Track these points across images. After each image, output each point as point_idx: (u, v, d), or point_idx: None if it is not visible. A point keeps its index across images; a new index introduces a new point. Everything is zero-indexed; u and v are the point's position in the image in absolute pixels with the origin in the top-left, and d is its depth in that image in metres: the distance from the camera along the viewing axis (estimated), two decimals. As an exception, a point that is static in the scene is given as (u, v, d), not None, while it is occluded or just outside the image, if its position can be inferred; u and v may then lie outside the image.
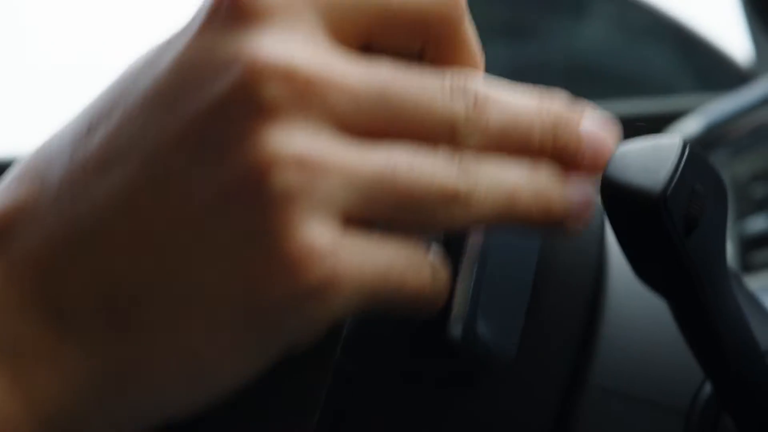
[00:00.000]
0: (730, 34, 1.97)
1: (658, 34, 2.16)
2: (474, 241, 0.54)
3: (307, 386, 0.46)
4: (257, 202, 0.39)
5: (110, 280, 0.40)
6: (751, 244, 1.49)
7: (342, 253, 0.40)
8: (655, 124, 1.71)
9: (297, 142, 0.39)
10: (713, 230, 0.51)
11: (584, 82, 2.20)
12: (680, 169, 0.48)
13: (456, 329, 0.53)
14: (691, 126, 1.64)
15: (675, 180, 0.48)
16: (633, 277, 0.54)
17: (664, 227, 0.48)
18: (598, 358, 0.63)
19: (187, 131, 0.40)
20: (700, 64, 2.13)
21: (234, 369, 0.41)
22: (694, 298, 0.52)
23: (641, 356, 0.63)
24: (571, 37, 2.24)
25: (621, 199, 0.49)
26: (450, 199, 0.43)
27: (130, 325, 0.40)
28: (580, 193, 0.48)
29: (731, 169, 1.57)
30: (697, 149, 0.50)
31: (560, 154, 0.47)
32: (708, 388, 0.62)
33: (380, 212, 0.42)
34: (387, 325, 0.57)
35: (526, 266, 0.60)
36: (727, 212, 0.53)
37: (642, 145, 0.50)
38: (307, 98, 0.40)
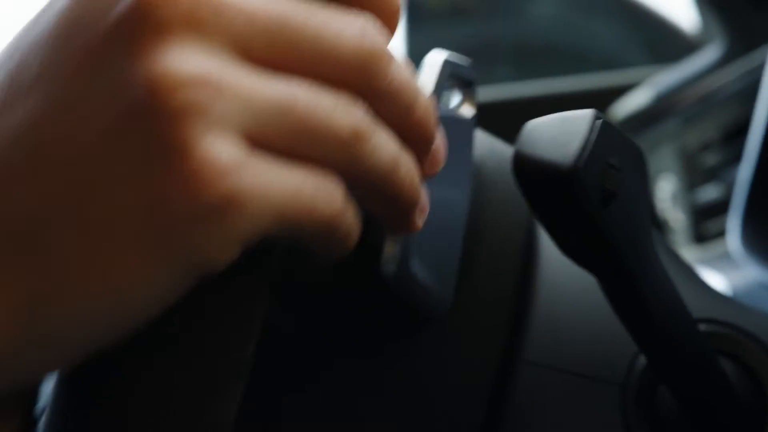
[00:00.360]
0: (676, 4, 1.98)
1: (606, 8, 2.17)
2: None
3: (235, 333, 0.45)
4: (154, 121, 0.39)
5: (15, 210, 0.40)
6: (703, 214, 1.49)
7: (245, 172, 0.40)
8: (606, 97, 1.72)
9: (191, 61, 0.39)
10: (633, 202, 0.51)
11: (535, 59, 2.20)
12: (591, 141, 0.47)
13: (389, 267, 0.54)
14: (640, 98, 1.65)
15: (587, 152, 0.47)
16: (562, 254, 0.54)
17: (578, 200, 0.47)
18: (532, 334, 0.63)
19: (83, 59, 0.40)
20: (648, 36, 2.13)
21: (148, 291, 0.41)
22: (618, 270, 0.52)
23: (574, 331, 0.63)
24: (520, 15, 2.24)
25: (533, 173, 0.48)
26: (347, 140, 0.43)
27: (40, 253, 0.40)
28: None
29: (681, 140, 1.57)
30: (610, 122, 0.49)
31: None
32: (642, 359, 0.62)
33: (280, 140, 0.42)
34: (323, 273, 0.57)
35: (455, 218, 0.61)
36: (647, 184, 0.53)
37: (552, 119, 0.50)
38: (202, 17, 0.40)
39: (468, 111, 0.62)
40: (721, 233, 1.41)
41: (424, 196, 0.50)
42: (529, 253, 0.65)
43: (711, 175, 1.52)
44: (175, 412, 0.43)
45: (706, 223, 1.48)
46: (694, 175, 1.54)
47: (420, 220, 0.50)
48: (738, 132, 1.49)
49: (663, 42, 2.08)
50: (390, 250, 0.54)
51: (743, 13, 1.51)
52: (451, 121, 0.60)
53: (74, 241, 0.40)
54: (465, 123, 0.62)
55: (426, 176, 0.50)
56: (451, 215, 0.61)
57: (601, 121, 0.49)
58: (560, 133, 0.48)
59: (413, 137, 0.47)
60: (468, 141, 0.63)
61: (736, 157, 1.46)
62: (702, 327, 0.63)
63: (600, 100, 1.74)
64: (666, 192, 1.57)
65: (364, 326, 0.61)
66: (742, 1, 1.51)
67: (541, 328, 0.63)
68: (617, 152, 0.49)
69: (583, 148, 0.47)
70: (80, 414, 0.44)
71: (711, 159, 1.53)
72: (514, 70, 2.09)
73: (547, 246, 0.65)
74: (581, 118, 0.49)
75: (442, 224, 0.59)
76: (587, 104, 1.79)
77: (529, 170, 0.48)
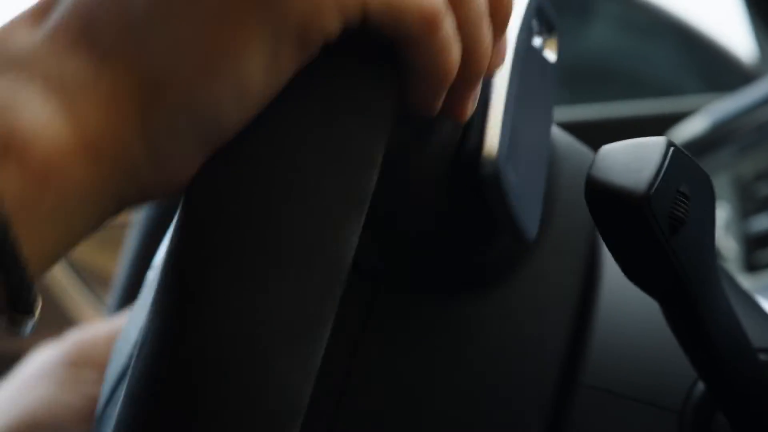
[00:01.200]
0: (733, 34, 1.97)
1: (663, 34, 2.17)
2: (500, 85, 0.57)
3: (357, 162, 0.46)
4: None
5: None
6: (755, 243, 1.49)
7: None
8: (661, 124, 1.72)
9: None
10: (700, 230, 0.51)
11: (590, 83, 2.20)
12: (664, 169, 0.48)
13: (487, 167, 0.56)
14: (696, 126, 1.65)
15: (659, 180, 0.48)
16: (625, 277, 0.55)
17: (648, 227, 0.48)
18: (591, 358, 0.63)
19: None
20: (705, 64, 2.13)
21: (261, 62, 0.43)
22: (682, 297, 0.53)
23: (633, 355, 0.64)
24: (576, 38, 2.24)
25: (604, 199, 0.49)
26: None
27: (154, 40, 0.43)
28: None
29: (736, 169, 1.57)
30: (682, 150, 0.50)
31: None
32: (701, 386, 0.62)
33: None
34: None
35: (542, 155, 0.64)
36: (714, 212, 0.53)
37: (625, 145, 0.50)
38: None
39: (551, 55, 0.64)
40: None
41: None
42: (591, 273, 0.66)
43: (765, 204, 1.52)
44: (297, 240, 0.43)
45: (758, 253, 1.48)
46: (747, 204, 1.54)
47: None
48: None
49: (719, 71, 2.08)
50: (489, 150, 0.55)
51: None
52: (537, 56, 0.62)
53: (184, 20, 0.43)
54: (548, 65, 0.64)
55: (492, 64, 0.52)
56: (539, 151, 0.63)
57: (673, 148, 0.49)
58: (633, 160, 0.49)
59: (497, 15, 0.49)
60: (550, 84, 0.65)
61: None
62: (763, 357, 0.64)
63: (655, 126, 1.74)
64: (720, 220, 1.57)
65: (452, 251, 0.63)
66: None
67: (599, 351, 0.64)
68: (687, 180, 0.50)
69: (656, 175, 0.48)
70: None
71: (765, 189, 1.52)
72: (568, 94, 2.10)
73: (609, 266, 0.66)
74: (654, 145, 0.49)
75: (532, 152, 0.61)
76: (642, 131, 1.78)
77: (601, 195, 0.49)
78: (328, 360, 0.54)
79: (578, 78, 2.19)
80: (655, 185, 0.48)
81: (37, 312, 0.43)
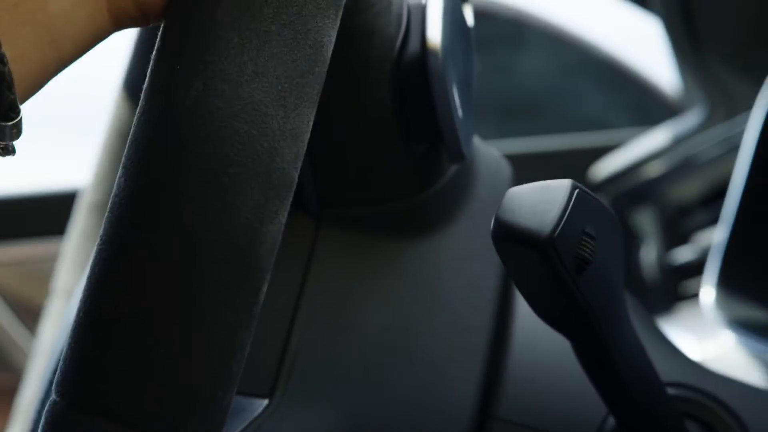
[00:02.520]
0: (659, 68, 2.00)
1: (590, 68, 2.19)
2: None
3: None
4: None
5: None
6: (679, 276, 1.51)
7: None
8: (588, 157, 1.74)
9: None
10: (606, 269, 0.53)
11: (518, 118, 2.22)
12: (568, 210, 0.49)
13: (434, 55, 0.60)
14: (621, 159, 1.67)
15: (563, 222, 0.49)
16: (536, 317, 0.56)
17: (554, 268, 0.49)
18: (505, 393, 0.64)
19: None
20: (631, 98, 2.15)
21: None
22: (590, 335, 0.54)
23: (546, 391, 0.65)
24: (505, 73, 2.26)
25: (511, 240, 0.50)
26: None
27: None
28: None
29: (661, 201, 1.59)
30: (588, 192, 0.51)
31: None
32: (611, 420, 0.64)
33: None
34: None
35: (470, 92, 0.68)
36: (621, 251, 0.54)
37: (532, 188, 0.51)
38: None
39: (469, 18, 0.69)
40: (696, 295, 1.42)
41: None
42: (504, 310, 0.67)
43: (688, 237, 1.54)
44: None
45: (682, 285, 1.50)
46: (672, 237, 1.56)
47: None
48: (715, 196, 1.51)
49: (645, 104, 2.10)
50: (434, 43, 0.59)
51: (725, 80, 1.53)
52: (459, 9, 0.66)
53: None
54: (467, 27, 0.69)
55: None
56: (467, 86, 0.66)
57: (578, 190, 0.50)
58: (539, 202, 0.50)
59: None
60: (470, 47, 0.69)
61: (713, 221, 1.48)
62: (671, 391, 0.65)
63: (582, 159, 1.76)
64: (644, 252, 1.59)
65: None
66: (724, 69, 1.53)
67: (514, 386, 0.65)
68: (593, 221, 0.51)
69: (560, 217, 0.49)
70: None
71: (689, 221, 1.54)
72: (496, 129, 2.11)
73: (522, 304, 0.67)
74: (559, 187, 0.51)
75: (462, 79, 0.64)
76: (568, 164, 1.80)
77: (508, 236, 0.50)
78: (275, 298, 0.55)
79: (507, 113, 2.21)
80: (560, 227, 0.49)
81: (20, 123, 0.44)
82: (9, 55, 0.42)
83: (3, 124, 0.43)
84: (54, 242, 1.67)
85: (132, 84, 1.12)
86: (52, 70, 0.46)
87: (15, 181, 1.80)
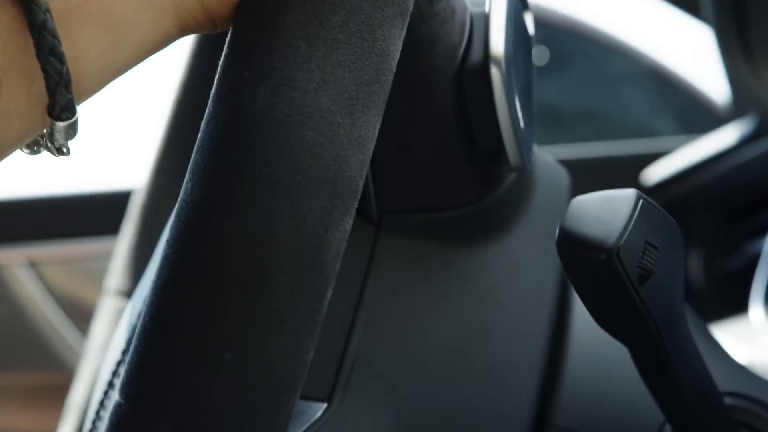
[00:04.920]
0: (708, 77, 1.99)
1: (639, 77, 2.18)
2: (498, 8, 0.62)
3: None
4: None
5: None
6: (728, 284, 1.51)
7: None
8: (636, 164, 1.74)
9: None
10: (668, 279, 0.53)
11: (567, 124, 2.22)
12: (633, 221, 0.50)
13: (497, 64, 0.60)
14: (670, 167, 1.66)
15: (627, 232, 0.50)
16: (595, 323, 0.56)
17: (617, 278, 0.50)
18: (562, 399, 0.65)
19: None
20: (679, 106, 2.15)
21: None
22: (651, 344, 0.54)
23: (603, 398, 0.65)
24: (554, 80, 2.25)
25: (576, 250, 0.51)
26: None
27: None
28: None
29: (710, 210, 1.59)
30: (652, 203, 0.52)
31: None
32: (668, 429, 0.64)
33: None
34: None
35: (533, 100, 0.69)
36: (683, 261, 0.55)
37: (597, 197, 0.52)
38: None
39: (530, 27, 0.69)
40: (746, 303, 1.42)
41: None
42: (561, 318, 0.68)
43: (737, 246, 1.53)
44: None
45: (731, 293, 1.49)
46: (721, 246, 1.56)
47: None
48: (764, 204, 1.51)
49: (694, 113, 2.09)
50: (497, 52, 0.60)
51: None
52: (521, 18, 0.66)
53: None
54: (528, 35, 0.69)
55: None
56: (528, 94, 0.67)
57: (642, 201, 0.51)
58: (604, 212, 0.50)
59: None
60: (530, 53, 0.69)
61: (763, 229, 1.48)
62: (727, 400, 0.65)
63: (630, 166, 1.76)
64: (694, 260, 1.59)
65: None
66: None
67: (571, 393, 0.65)
68: (656, 231, 0.51)
69: (625, 228, 0.50)
70: None
71: (738, 230, 1.54)
72: (544, 134, 2.11)
73: (579, 312, 0.68)
74: (624, 198, 0.51)
75: (524, 88, 0.65)
76: (617, 170, 1.79)
77: (573, 246, 0.51)
78: (335, 304, 0.55)
79: (555, 119, 2.21)
80: (624, 237, 0.49)
81: (75, 124, 0.44)
82: (69, 55, 0.42)
83: (59, 124, 0.43)
84: (106, 241, 1.68)
85: (189, 86, 1.12)
86: (113, 73, 0.46)
87: (69, 180, 1.82)
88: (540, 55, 2.21)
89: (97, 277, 1.67)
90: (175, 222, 0.45)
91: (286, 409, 0.45)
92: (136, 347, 0.44)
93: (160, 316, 0.44)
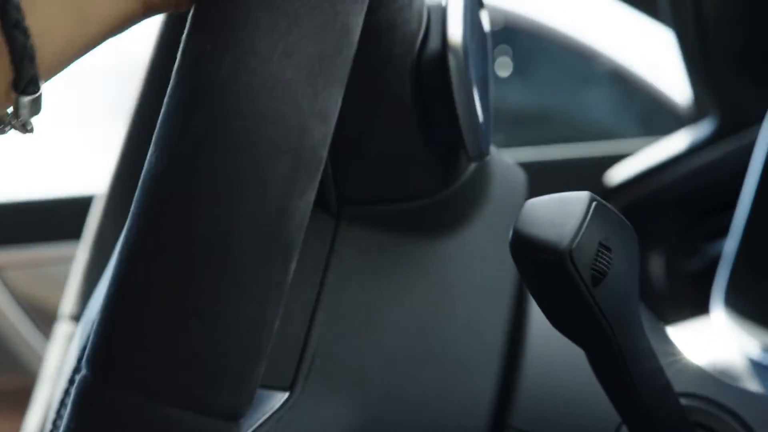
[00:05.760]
0: (669, 78, 2.00)
1: (601, 79, 2.19)
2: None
3: None
4: None
5: None
6: (689, 285, 1.51)
7: None
8: (598, 166, 1.74)
9: None
10: (623, 280, 0.53)
11: (529, 126, 2.22)
12: (586, 223, 0.50)
13: (455, 53, 0.61)
14: (631, 168, 1.67)
15: (581, 234, 0.50)
16: (551, 326, 0.56)
17: (571, 279, 0.50)
18: (519, 401, 0.65)
19: None
20: (641, 108, 2.16)
21: None
22: (605, 346, 0.55)
23: (560, 400, 0.65)
24: (516, 83, 2.26)
25: (529, 252, 0.51)
26: None
27: None
28: None
29: (670, 211, 1.60)
30: (605, 205, 0.52)
31: None
32: (624, 431, 0.64)
33: None
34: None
35: (489, 91, 0.69)
36: (637, 262, 0.55)
37: (550, 199, 0.52)
38: None
39: (486, 24, 0.70)
40: (705, 304, 1.43)
41: None
42: (519, 312, 0.68)
43: (699, 247, 1.54)
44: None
45: (691, 294, 1.50)
46: (682, 247, 1.56)
47: None
48: (725, 206, 1.51)
49: (655, 115, 2.10)
50: (455, 42, 0.60)
51: (736, 91, 1.54)
52: (477, 14, 0.67)
53: None
54: (484, 33, 0.70)
55: None
56: (485, 85, 0.67)
57: (596, 203, 0.51)
58: (557, 214, 0.51)
59: None
60: (488, 51, 0.70)
61: (723, 230, 1.48)
62: (684, 401, 0.66)
63: (592, 169, 1.76)
64: (655, 261, 1.60)
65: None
66: (735, 80, 1.53)
67: (528, 395, 0.65)
68: (610, 233, 0.52)
69: (578, 230, 0.50)
70: None
71: (699, 231, 1.55)
72: (504, 137, 2.11)
73: (536, 310, 0.68)
74: (578, 200, 0.51)
75: (481, 79, 0.65)
76: (578, 173, 1.79)
77: (526, 248, 0.51)
78: (295, 294, 0.55)
79: (518, 121, 2.21)
80: (577, 239, 0.50)
81: (40, 99, 0.44)
82: (33, 30, 0.42)
83: (24, 98, 0.44)
84: (68, 246, 1.68)
85: (151, 90, 1.12)
86: (78, 50, 0.46)
87: (31, 186, 1.81)
88: (503, 65, 2.22)
89: (59, 281, 1.67)
90: (139, 192, 0.45)
91: (251, 378, 0.45)
92: (101, 318, 0.44)
93: (124, 286, 0.44)
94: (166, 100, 0.46)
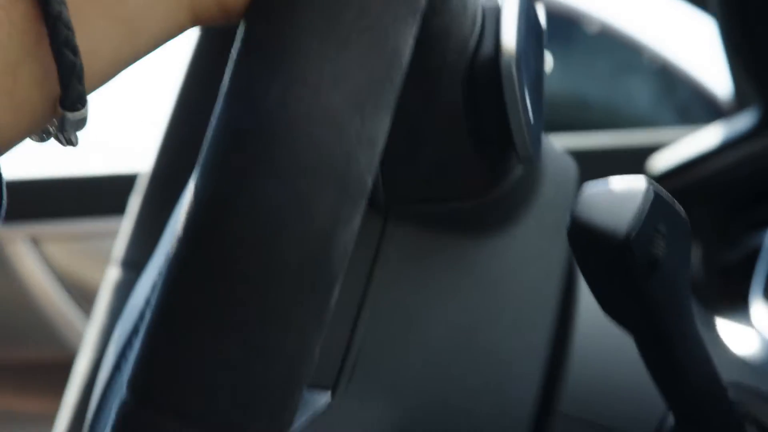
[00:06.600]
0: (710, 69, 1.99)
1: (641, 68, 2.19)
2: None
3: None
4: None
5: None
6: (728, 277, 1.51)
7: None
8: (637, 155, 1.74)
9: None
10: (676, 268, 0.53)
11: (569, 113, 2.22)
12: (645, 211, 0.50)
13: (507, 59, 0.60)
14: (673, 158, 1.67)
15: (640, 223, 0.50)
16: (600, 311, 0.57)
17: (628, 268, 0.50)
18: (566, 387, 0.65)
19: None
20: (681, 98, 2.15)
21: None
22: (656, 333, 0.55)
23: (607, 386, 0.66)
24: (556, 69, 2.25)
25: (587, 239, 0.51)
26: None
27: None
28: None
29: (710, 202, 1.59)
30: (662, 191, 0.52)
31: None
32: (671, 419, 0.64)
33: None
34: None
35: (542, 96, 0.68)
36: (690, 251, 0.55)
37: (608, 187, 0.53)
38: None
39: (542, 20, 0.69)
40: (743, 296, 1.43)
41: None
42: (567, 309, 0.68)
43: (738, 238, 1.54)
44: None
45: (730, 286, 1.50)
46: (721, 238, 1.56)
47: None
48: (765, 198, 1.51)
49: (694, 105, 2.10)
50: (508, 48, 0.60)
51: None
52: (533, 11, 0.66)
53: None
54: (541, 29, 0.69)
55: None
56: (538, 89, 0.67)
57: (654, 189, 0.51)
58: (615, 200, 0.51)
59: None
60: (542, 48, 0.70)
61: (763, 223, 1.48)
62: (731, 392, 0.66)
63: (632, 157, 1.76)
64: (694, 252, 1.59)
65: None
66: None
67: (575, 382, 0.66)
68: (666, 222, 0.52)
69: (637, 218, 0.50)
70: None
71: (738, 223, 1.55)
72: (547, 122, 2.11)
73: (585, 303, 0.68)
74: (636, 186, 0.51)
75: (534, 83, 0.65)
76: (618, 161, 1.79)
77: (584, 235, 0.51)
78: (341, 293, 0.56)
79: (557, 108, 2.21)
80: (636, 227, 0.50)
81: (86, 115, 0.44)
82: (82, 47, 0.42)
83: (70, 115, 0.43)
84: (109, 221, 1.69)
85: (195, 70, 1.12)
86: (124, 64, 0.46)
87: (76, 162, 1.82)
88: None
89: (99, 256, 1.68)
90: (184, 217, 0.45)
91: (291, 406, 0.45)
92: (143, 342, 0.45)
93: (167, 312, 0.44)
94: (212, 122, 0.46)
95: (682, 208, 0.54)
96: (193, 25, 0.48)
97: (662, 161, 1.68)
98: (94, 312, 1.16)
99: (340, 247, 0.45)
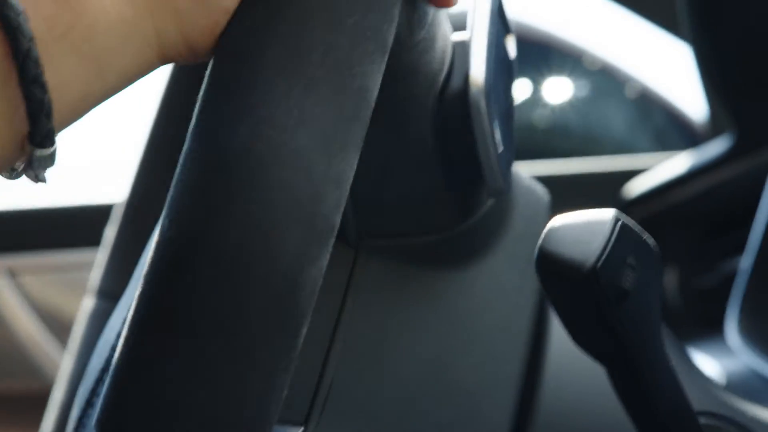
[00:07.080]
0: (686, 94, 2.00)
1: (617, 94, 2.19)
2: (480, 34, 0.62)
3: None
4: None
5: None
6: (702, 301, 1.51)
7: None
8: (614, 181, 1.75)
9: None
10: (645, 299, 0.54)
11: (545, 139, 2.22)
12: (611, 242, 0.51)
13: (475, 91, 0.60)
14: (647, 183, 1.67)
15: (606, 253, 0.50)
16: (572, 342, 0.57)
17: (595, 298, 0.51)
18: (539, 417, 0.65)
19: None
20: (657, 124, 2.16)
21: None
22: (626, 363, 0.55)
23: (579, 416, 0.66)
24: (533, 95, 2.26)
25: (555, 271, 0.51)
26: None
27: None
28: None
29: (685, 228, 1.60)
30: (630, 222, 0.52)
31: None
32: (644, 448, 0.64)
33: None
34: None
35: (511, 126, 0.69)
36: (660, 281, 0.56)
37: (576, 219, 0.53)
38: None
39: (511, 50, 0.69)
40: (718, 322, 1.43)
41: None
42: (538, 341, 0.68)
43: (713, 264, 1.54)
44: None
45: (706, 311, 1.50)
46: (697, 263, 1.57)
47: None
48: (741, 223, 1.51)
49: (671, 131, 2.10)
50: (476, 79, 0.60)
51: (753, 107, 1.54)
52: (501, 41, 0.67)
53: None
54: (509, 59, 0.69)
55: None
56: (508, 121, 0.67)
57: (621, 221, 0.52)
58: (583, 233, 0.51)
59: None
60: (511, 78, 0.70)
61: (738, 248, 1.49)
62: (702, 420, 0.66)
63: (608, 183, 1.77)
64: (669, 278, 1.60)
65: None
66: (752, 96, 1.53)
67: (547, 413, 0.66)
68: (634, 251, 0.52)
69: (604, 248, 0.50)
70: None
71: (714, 248, 1.55)
72: (524, 150, 2.11)
73: (556, 334, 0.68)
74: (603, 218, 0.52)
75: (504, 115, 0.65)
76: (595, 187, 1.79)
77: (552, 266, 0.51)
78: (312, 326, 0.56)
79: (534, 134, 2.21)
80: (603, 258, 0.50)
81: (54, 152, 0.44)
82: (51, 84, 0.42)
83: (38, 152, 0.43)
84: (86, 252, 1.68)
85: (170, 96, 1.13)
86: (93, 101, 0.45)
87: (51, 194, 1.82)
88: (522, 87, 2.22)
89: (76, 287, 1.67)
90: (151, 258, 0.45)
91: None
92: (111, 383, 0.44)
93: (134, 354, 0.44)
94: (180, 161, 0.45)
95: (651, 239, 0.54)
96: (162, 63, 0.47)
97: (638, 187, 1.68)
98: (70, 343, 1.16)
99: (308, 287, 0.45)
